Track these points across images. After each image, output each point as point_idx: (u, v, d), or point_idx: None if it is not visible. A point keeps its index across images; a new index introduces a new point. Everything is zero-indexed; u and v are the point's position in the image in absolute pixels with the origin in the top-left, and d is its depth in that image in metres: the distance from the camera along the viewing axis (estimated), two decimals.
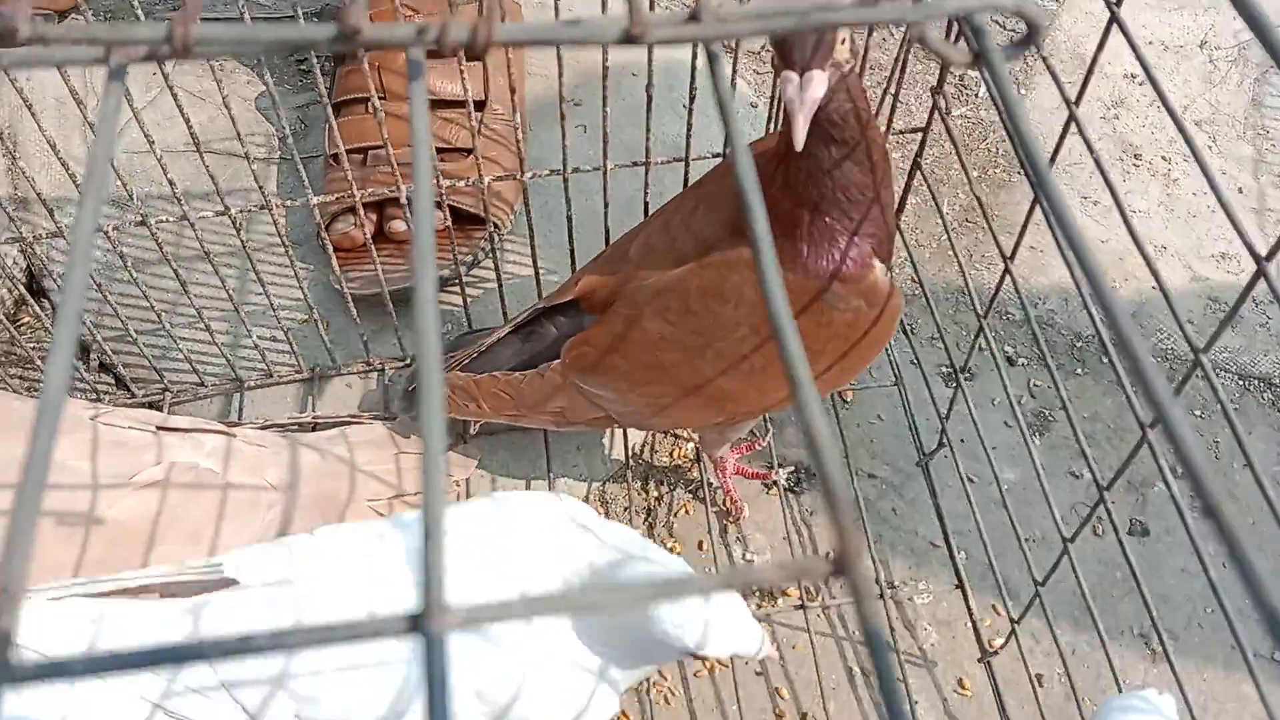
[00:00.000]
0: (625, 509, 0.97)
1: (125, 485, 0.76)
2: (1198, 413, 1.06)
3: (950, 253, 1.17)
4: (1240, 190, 1.23)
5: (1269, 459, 1.04)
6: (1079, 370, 1.09)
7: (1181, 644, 0.92)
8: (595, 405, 0.83)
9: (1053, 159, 0.71)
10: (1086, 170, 1.25)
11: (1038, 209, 0.75)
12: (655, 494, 0.99)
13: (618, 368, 0.79)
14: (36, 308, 0.94)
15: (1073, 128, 0.68)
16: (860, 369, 0.79)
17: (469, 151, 1.04)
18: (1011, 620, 0.82)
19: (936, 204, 0.91)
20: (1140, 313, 1.13)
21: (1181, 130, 0.58)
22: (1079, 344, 1.11)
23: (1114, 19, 0.62)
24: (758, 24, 0.26)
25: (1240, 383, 1.09)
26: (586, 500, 0.98)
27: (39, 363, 0.97)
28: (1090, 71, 0.68)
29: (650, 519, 0.97)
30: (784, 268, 0.71)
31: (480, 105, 1.09)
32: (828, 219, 0.69)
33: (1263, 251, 0.53)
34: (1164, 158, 1.27)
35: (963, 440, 1.01)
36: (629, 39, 0.25)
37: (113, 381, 1.04)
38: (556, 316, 0.86)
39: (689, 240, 0.77)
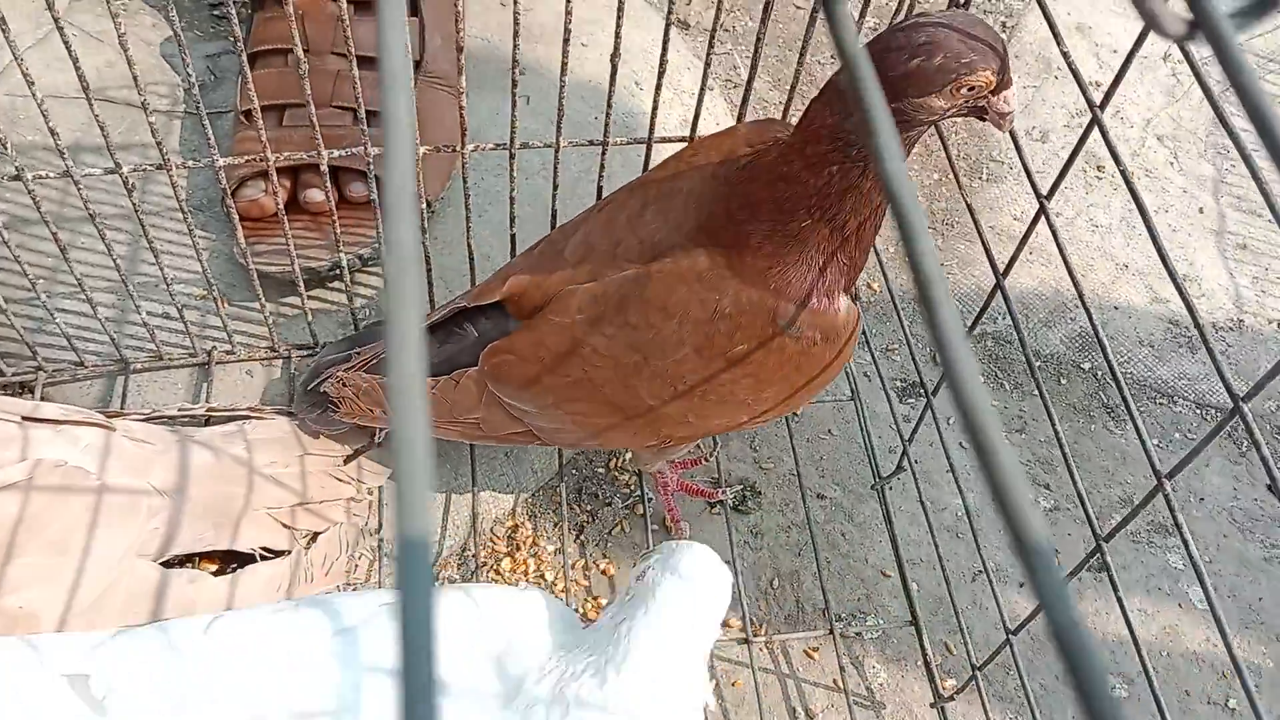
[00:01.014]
0: (555, 525, 0.88)
1: None
2: (1156, 440, 1.02)
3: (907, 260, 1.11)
4: (1200, 210, 1.20)
5: (1224, 492, 1.00)
6: (1035, 391, 1.04)
7: (1135, 687, 0.88)
8: (515, 419, 0.74)
9: (1057, 182, 0.65)
10: (1048, 181, 1.20)
11: (1028, 226, 0.68)
12: (589, 508, 0.90)
13: (542, 380, 0.70)
14: None
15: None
16: (809, 399, 0.72)
17: None
18: (973, 666, 0.76)
19: None
20: (1100, 333, 1.08)
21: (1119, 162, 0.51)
22: (1038, 362, 1.06)
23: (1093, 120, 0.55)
24: None
25: (1198, 411, 1.05)
26: (513, 512, 0.89)
27: None
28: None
29: (581, 537, 0.89)
30: (748, 282, 0.63)
31: (416, 66, 0.99)
32: (818, 243, 0.62)
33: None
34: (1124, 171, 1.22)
35: (918, 461, 0.94)
36: None
37: None
38: (479, 317, 0.76)
39: (634, 243, 0.68)
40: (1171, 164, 1.24)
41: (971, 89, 0.55)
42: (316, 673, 0.55)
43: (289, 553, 0.79)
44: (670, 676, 0.57)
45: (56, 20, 0.62)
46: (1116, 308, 1.10)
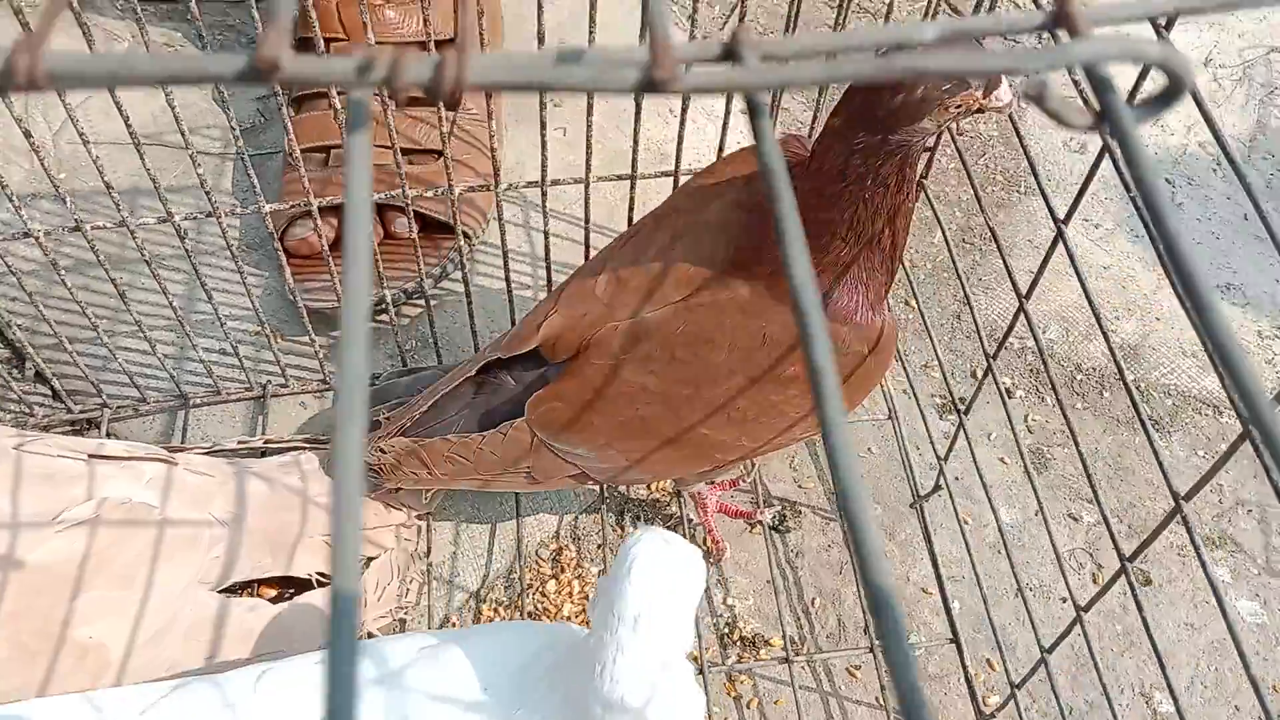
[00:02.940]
0: (599, 546, 0.90)
1: (50, 525, 0.68)
2: (1201, 453, 1.01)
3: (945, 275, 1.11)
4: (1245, 217, 1.18)
5: (1272, 499, 0.99)
6: (1078, 404, 1.04)
7: (1183, 704, 0.87)
8: (568, 463, 0.75)
9: (1079, 197, 0.65)
10: (1088, 192, 1.19)
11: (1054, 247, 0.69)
12: (631, 530, 0.92)
13: (592, 423, 0.71)
14: None
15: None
16: (853, 410, 0.74)
17: (440, 154, 0.97)
18: (1011, 684, 0.77)
19: (940, 225, 0.85)
20: (1142, 344, 1.08)
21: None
22: (1079, 377, 1.06)
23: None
24: (817, 70, 0.20)
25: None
26: (557, 535, 0.91)
27: None
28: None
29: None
30: (785, 301, 0.65)
31: (456, 104, 1.02)
32: (857, 261, 0.63)
33: None
34: (1167, 180, 1.22)
35: (957, 478, 0.95)
36: (650, 85, 0.19)
37: (48, 394, 0.96)
38: (513, 366, 0.76)
39: (668, 278, 0.69)
40: (1214, 170, 1.23)
41: (958, 107, 0.57)
42: None
43: None
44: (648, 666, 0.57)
45: None
46: (1158, 319, 1.10)
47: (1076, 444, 0.66)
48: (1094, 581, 0.92)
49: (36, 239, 0.74)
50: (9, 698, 0.65)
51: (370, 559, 0.84)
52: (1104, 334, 0.63)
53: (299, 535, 0.80)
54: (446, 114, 0.88)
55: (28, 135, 0.68)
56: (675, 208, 0.72)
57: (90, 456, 0.74)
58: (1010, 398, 1.03)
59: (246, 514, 0.79)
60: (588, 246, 0.85)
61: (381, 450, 0.78)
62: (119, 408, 0.91)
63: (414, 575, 0.88)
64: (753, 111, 0.20)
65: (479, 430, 0.76)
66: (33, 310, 0.93)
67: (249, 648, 0.75)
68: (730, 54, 0.20)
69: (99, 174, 0.71)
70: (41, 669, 0.65)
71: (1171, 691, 0.61)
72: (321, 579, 0.81)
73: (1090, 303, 0.64)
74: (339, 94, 0.77)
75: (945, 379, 0.85)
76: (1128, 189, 0.58)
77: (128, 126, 0.69)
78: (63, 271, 0.77)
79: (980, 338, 0.77)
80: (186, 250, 0.77)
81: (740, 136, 1.14)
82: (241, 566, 0.77)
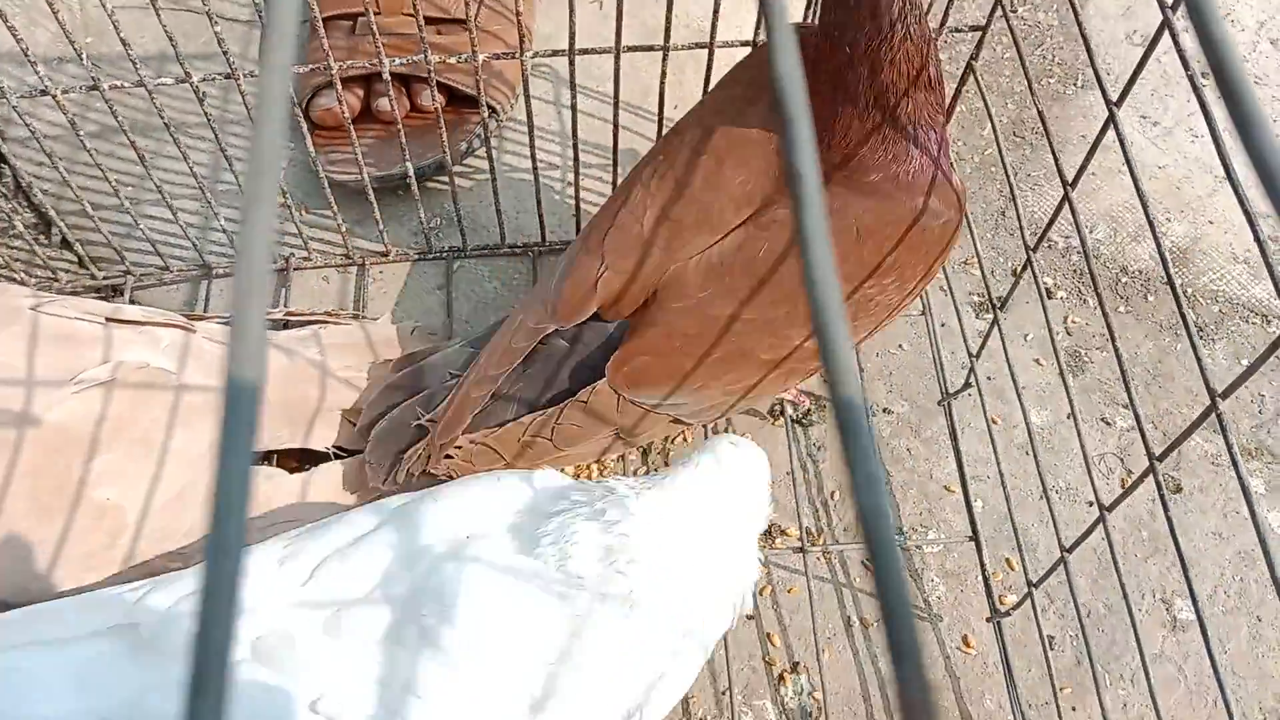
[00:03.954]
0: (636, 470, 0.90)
1: (67, 385, 0.68)
2: (1244, 361, 0.98)
3: (993, 170, 1.07)
4: None
5: None
6: (1121, 308, 1.00)
7: (1205, 612, 0.86)
8: (657, 416, 0.72)
9: (1134, 77, 0.62)
10: (1148, 87, 1.14)
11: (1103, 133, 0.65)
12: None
13: (686, 368, 0.68)
14: None
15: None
16: (929, 282, 0.72)
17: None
18: (1029, 582, 0.76)
19: (990, 116, 0.81)
20: (1193, 248, 1.04)
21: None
22: (1124, 279, 1.02)
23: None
24: None
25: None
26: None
27: None
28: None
29: (648, 446, 0.90)
30: (871, 194, 0.63)
31: None
32: (920, 119, 0.61)
33: None
34: None
35: (990, 378, 0.93)
36: None
37: (74, 261, 0.96)
38: (556, 334, 0.72)
39: (726, 203, 0.65)
40: None
41: None
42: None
43: (360, 451, 0.82)
44: (679, 550, 0.57)
45: None
46: (1211, 222, 1.05)
47: (1115, 345, 0.63)
48: (1121, 486, 0.90)
49: (54, 97, 0.73)
50: (29, 553, 0.66)
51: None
52: (1154, 233, 0.60)
53: (317, 408, 0.80)
54: None
55: None
56: (706, 127, 0.68)
57: (108, 320, 0.74)
58: (1050, 298, 1.00)
59: (265, 386, 0.78)
60: (616, 126, 0.82)
61: (449, 456, 0.73)
62: (142, 275, 0.91)
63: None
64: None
65: (544, 405, 0.71)
66: (58, 176, 0.92)
67: (266, 518, 0.76)
68: None
69: (122, 32, 0.69)
70: (58, 526, 0.66)
71: (1194, 598, 0.60)
72: (339, 452, 0.81)
73: (1141, 198, 0.60)
74: None
75: (984, 275, 0.82)
76: (1186, 67, 0.53)
77: None
78: (86, 136, 0.75)
79: (1022, 232, 0.73)
80: (207, 114, 0.76)
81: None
82: (260, 438, 0.77)
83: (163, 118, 0.75)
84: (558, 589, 0.55)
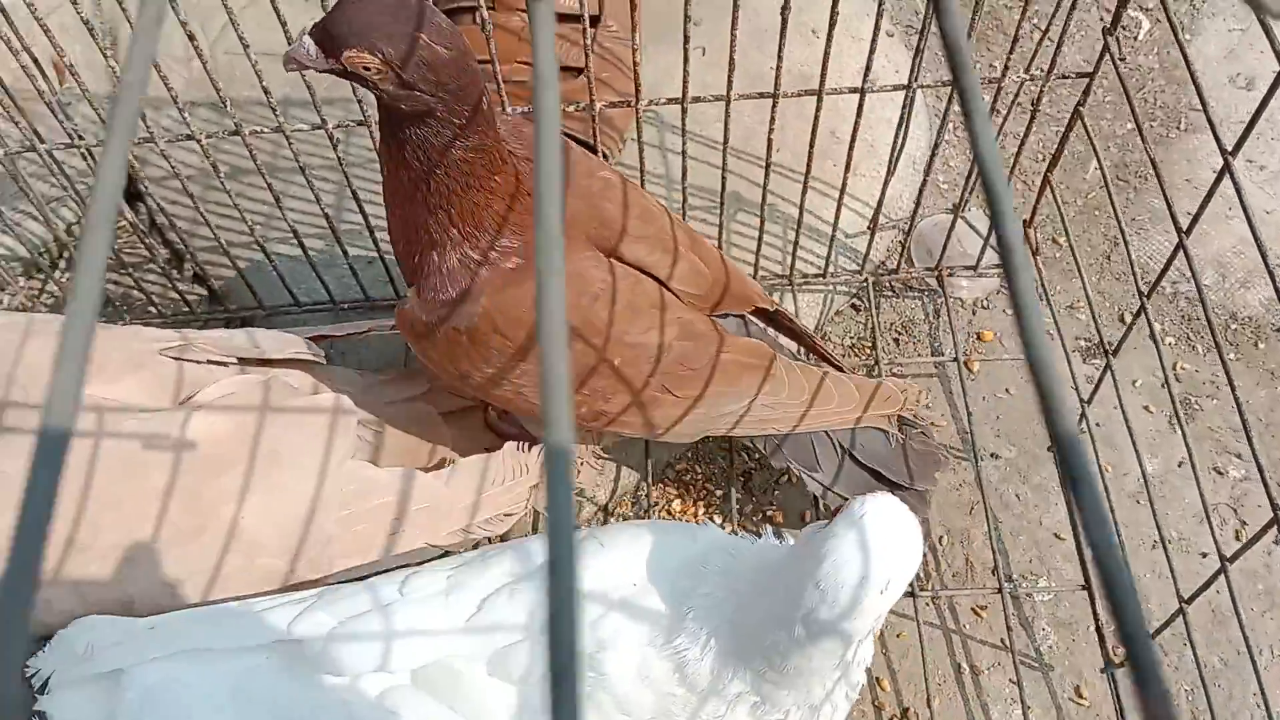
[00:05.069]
0: (722, 471, 0.91)
1: (190, 405, 0.72)
2: None
3: (1095, 213, 1.07)
4: None
5: None
6: (1232, 355, 0.99)
7: None
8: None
9: (1250, 126, 0.61)
10: (1254, 131, 1.12)
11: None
12: (756, 457, 0.92)
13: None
14: (130, 211, 0.90)
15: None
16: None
17: (580, 71, 0.97)
18: (1145, 634, 0.74)
19: (1098, 158, 0.81)
20: None
21: None
22: (1233, 325, 1.00)
23: None
24: None
25: None
26: (684, 456, 0.92)
27: (128, 268, 0.94)
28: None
29: (749, 484, 0.91)
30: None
31: (595, 20, 1.01)
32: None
33: None
34: None
35: (1098, 424, 0.92)
36: None
37: (205, 294, 1.01)
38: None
39: None
40: None
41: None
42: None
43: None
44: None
45: None
46: None
47: (1235, 392, 0.63)
48: (1236, 538, 0.89)
49: (199, 141, 0.78)
50: (169, 578, 0.69)
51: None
52: (1272, 279, 0.59)
53: (431, 453, 0.82)
54: (589, 29, 0.87)
55: (192, 38, 0.70)
56: None
57: (240, 361, 0.77)
58: (1159, 344, 0.99)
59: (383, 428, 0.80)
60: (724, 170, 0.84)
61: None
62: (272, 308, 0.95)
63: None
64: None
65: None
66: (189, 214, 0.97)
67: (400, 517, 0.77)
68: None
69: (257, 80, 0.73)
70: (196, 547, 0.69)
71: None
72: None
73: (1260, 246, 0.60)
74: (488, 8, 0.77)
75: (1095, 319, 0.81)
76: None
77: (286, 32, 0.71)
78: (218, 175, 0.80)
79: (1135, 279, 0.73)
80: (339, 158, 0.79)
81: (885, 60, 1.11)
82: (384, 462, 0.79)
83: (299, 161, 0.79)
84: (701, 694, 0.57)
